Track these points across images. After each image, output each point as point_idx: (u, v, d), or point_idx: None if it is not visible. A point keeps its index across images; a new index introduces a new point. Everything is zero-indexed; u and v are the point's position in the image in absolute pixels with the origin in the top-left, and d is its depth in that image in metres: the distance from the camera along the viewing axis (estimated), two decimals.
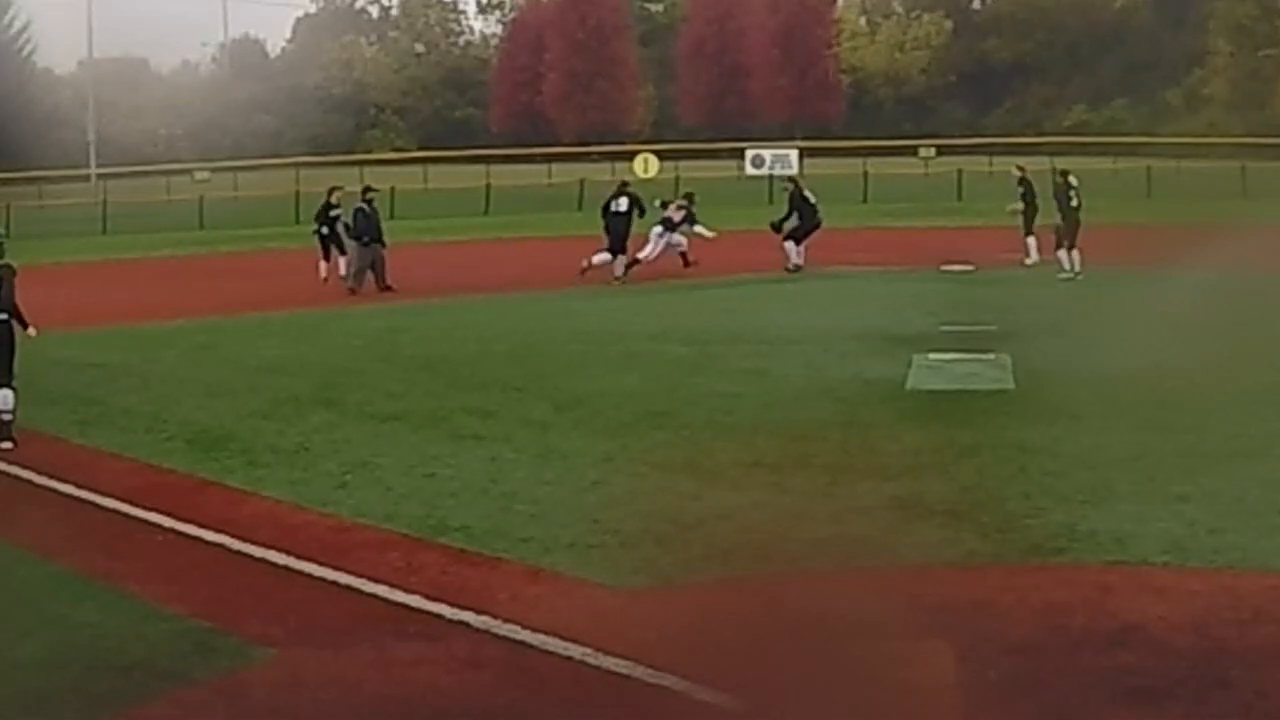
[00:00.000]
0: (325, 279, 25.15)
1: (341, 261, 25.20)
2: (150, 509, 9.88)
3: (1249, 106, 75.52)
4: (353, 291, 23.72)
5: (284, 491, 10.39)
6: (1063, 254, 23.36)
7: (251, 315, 21.34)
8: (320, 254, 25.58)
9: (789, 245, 25.51)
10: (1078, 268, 23.15)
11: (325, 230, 25.57)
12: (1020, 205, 25.42)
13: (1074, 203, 23.70)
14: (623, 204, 25.19)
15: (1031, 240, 25.05)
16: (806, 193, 25.93)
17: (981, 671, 6.63)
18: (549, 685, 6.72)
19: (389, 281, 24.03)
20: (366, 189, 25.42)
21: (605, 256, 24.88)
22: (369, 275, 24.07)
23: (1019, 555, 8.47)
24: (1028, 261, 24.83)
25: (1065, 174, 24.72)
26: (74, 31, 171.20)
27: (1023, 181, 25.65)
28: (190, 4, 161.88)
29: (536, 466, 10.89)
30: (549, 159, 71.56)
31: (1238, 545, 8.43)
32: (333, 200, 25.97)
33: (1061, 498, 9.56)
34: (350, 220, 24.52)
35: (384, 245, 24.44)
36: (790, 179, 28.76)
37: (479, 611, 7.55)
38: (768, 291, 22.99)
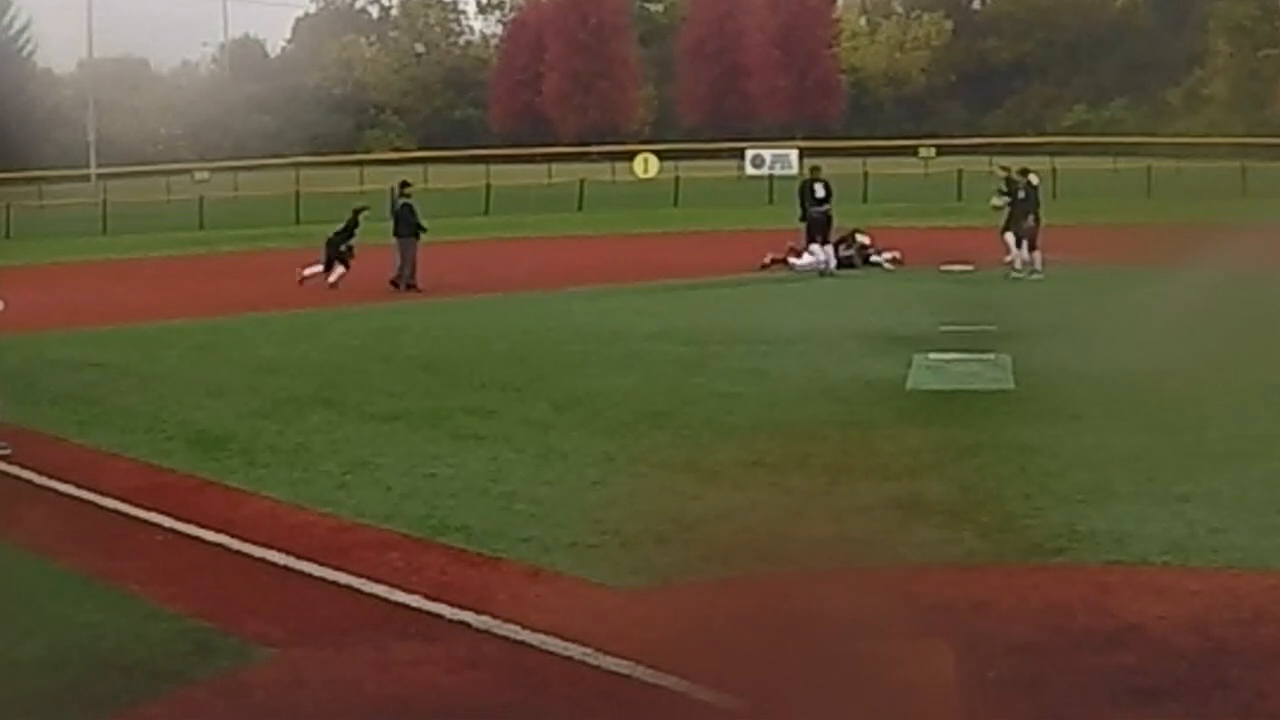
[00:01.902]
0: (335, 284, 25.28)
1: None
2: (150, 509, 9.87)
3: (1249, 106, 75.60)
4: (410, 288, 23.76)
5: (284, 491, 10.38)
6: (1035, 254, 23.66)
7: (251, 315, 21.34)
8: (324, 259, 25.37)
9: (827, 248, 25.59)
10: (1033, 265, 23.55)
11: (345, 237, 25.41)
12: (1002, 201, 25.53)
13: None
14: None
15: (1009, 237, 25.06)
16: (817, 186, 25.86)
17: (981, 671, 6.63)
18: (549, 685, 6.72)
19: (416, 281, 24.05)
20: (405, 184, 25.29)
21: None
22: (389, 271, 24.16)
23: (1019, 555, 8.47)
24: (1008, 259, 24.88)
25: (1026, 172, 25.02)
26: (74, 31, 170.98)
27: (1009, 180, 25.73)
28: (190, 4, 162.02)
29: (536, 466, 10.88)
30: (549, 159, 71.62)
31: (1238, 545, 8.43)
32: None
33: (1061, 498, 9.55)
34: (394, 216, 24.53)
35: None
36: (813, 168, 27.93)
37: (479, 611, 7.55)
38: (768, 291, 23.01)
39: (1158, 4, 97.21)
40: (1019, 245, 23.91)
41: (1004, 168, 26.81)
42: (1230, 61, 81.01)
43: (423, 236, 24.52)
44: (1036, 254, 23.76)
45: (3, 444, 11.75)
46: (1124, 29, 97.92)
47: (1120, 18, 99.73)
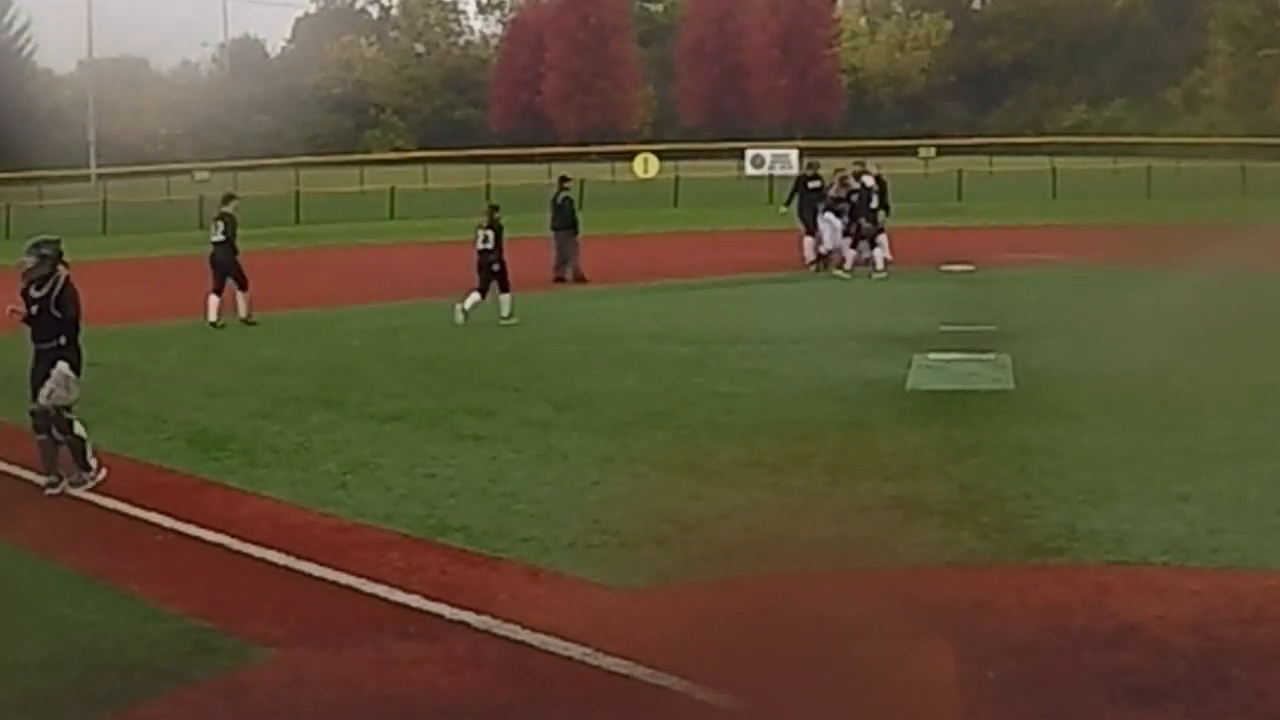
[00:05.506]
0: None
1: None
2: (150, 509, 9.89)
3: (1249, 106, 75.58)
4: (560, 280, 24.66)
5: (284, 491, 10.39)
6: (852, 254, 24.11)
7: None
8: None
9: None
10: (881, 266, 23.89)
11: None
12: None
13: (873, 204, 24.38)
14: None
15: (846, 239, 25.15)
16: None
17: (981, 671, 6.63)
18: (549, 685, 6.72)
19: (584, 272, 24.85)
20: (564, 179, 26.46)
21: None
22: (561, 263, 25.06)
23: (1019, 555, 8.47)
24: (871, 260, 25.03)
25: (861, 174, 25.33)
26: (74, 31, 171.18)
27: (855, 177, 25.79)
28: (190, 4, 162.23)
29: (536, 466, 10.89)
30: (549, 159, 71.49)
31: (1238, 545, 8.44)
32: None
33: (1061, 498, 9.56)
34: (553, 210, 25.56)
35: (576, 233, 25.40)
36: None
37: (479, 611, 7.55)
38: (768, 291, 22.99)
39: (1158, 4, 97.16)
40: (854, 246, 24.33)
41: (858, 162, 27.14)
42: (1230, 61, 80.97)
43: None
44: (877, 252, 24.07)
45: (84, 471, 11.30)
46: (1124, 29, 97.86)
47: (1120, 18, 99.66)
